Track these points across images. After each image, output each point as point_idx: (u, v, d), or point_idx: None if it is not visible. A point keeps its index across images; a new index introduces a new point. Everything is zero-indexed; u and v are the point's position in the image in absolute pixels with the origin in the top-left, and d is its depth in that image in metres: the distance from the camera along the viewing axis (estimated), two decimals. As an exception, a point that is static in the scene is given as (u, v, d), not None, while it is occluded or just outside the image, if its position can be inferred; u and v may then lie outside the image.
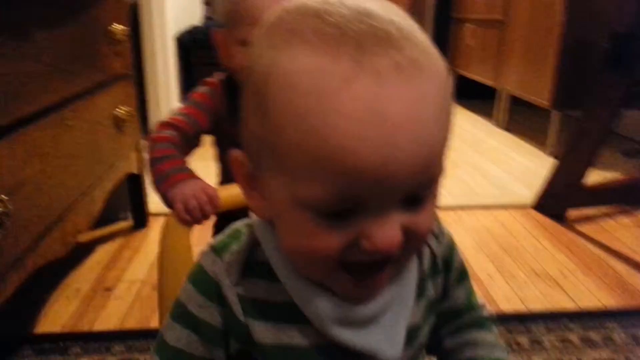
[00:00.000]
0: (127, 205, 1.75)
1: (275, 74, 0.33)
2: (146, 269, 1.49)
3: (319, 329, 0.40)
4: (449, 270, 0.47)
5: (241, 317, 0.41)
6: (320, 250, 0.35)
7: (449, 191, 2.03)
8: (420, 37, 0.34)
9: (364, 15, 0.32)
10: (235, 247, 0.42)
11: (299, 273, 0.40)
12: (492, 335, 0.50)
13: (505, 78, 2.86)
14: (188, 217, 0.69)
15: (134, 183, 1.69)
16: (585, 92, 2.02)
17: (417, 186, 0.34)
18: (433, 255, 0.46)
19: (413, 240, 0.36)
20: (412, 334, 0.43)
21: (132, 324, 1.22)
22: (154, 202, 1.82)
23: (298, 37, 0.33)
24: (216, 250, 0.42)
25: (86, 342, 1.14)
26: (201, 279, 0.42)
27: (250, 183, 0.40)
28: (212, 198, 0.71)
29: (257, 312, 0.41)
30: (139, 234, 1.71)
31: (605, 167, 2.24)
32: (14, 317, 1.22)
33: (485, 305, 0.52)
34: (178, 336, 0.42)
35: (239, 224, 0.45)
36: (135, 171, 1.66)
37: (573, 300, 1.35)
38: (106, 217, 1.64)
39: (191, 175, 0.75)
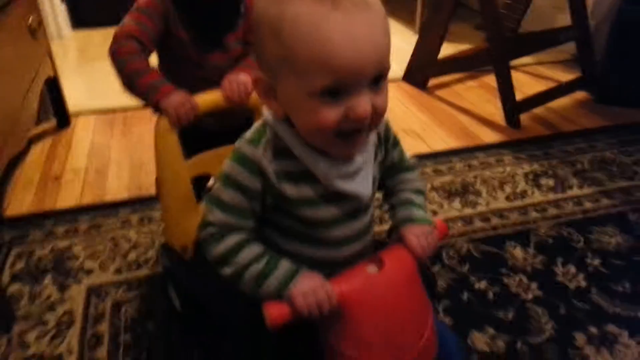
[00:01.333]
0: (48, 107, 1.88)
1: (286, 16, 0.53)
2: (84, 159, 1.71)
3: (324, 183, 0.61)
4: (387, 140, 0.70)
5: (275, 182, 0.61)
6: (323, 123, 0.55)
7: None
8: None
9: None
10: (264, 139, 0.61)
11: (309, 146, 0.60)
12: (415, 174, 0.75)
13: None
14: (178, 122, 0.89)
15: (52, 86, 1.82)
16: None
17: (377, 74, 0.54)
18: (378, 132, 0.68)
19: (377, 114, 0.56)
20: (373, 182, 0.67)
21: (88, 201, 1.48)
22: (72, 103, 1.98)
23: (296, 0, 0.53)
24: (252, 142, 0.62)
25: (56, 217, 1.39)
26: (245, 161, 0.61)
27: (268, 93, 0.59)
28: (194, 106, 0.90)
29: (285, 178, 0.61)
30: (65, 133, 1.89)
31: (460, 39, 2.69)
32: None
33: (411, 158, 0.76)
34: (231, 196, 0.62)
35: (258, 125, 0.64)
36: (52, 74, 1.78)
37: (429, 146, 1.81)
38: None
39: (173, 87, 0.91)
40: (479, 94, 2.22)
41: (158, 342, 1.03)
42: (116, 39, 0.93)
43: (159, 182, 0.94)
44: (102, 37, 2.92)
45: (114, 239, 1.32)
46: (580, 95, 2.17)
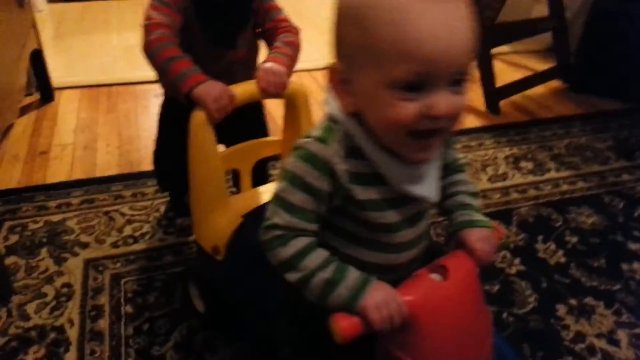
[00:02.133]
0: (31, 81, 1.84)
1: (371, 3, 0.51)
2: (71, 134, 1.69)
3: (394, 186, 0.58)
4: (447, 140, 0.66)
5: (346, 183, 0.57)
6: (399, 118, 0.51)
7: (307, 57, 2.38)
8: None
9: None
10: (335, 137, 0.58)
11: (380, 147, 0.57)
12: (466, 175, 0.71)
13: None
14: (218, 114, 0.84)
15: (36, 59, 1.78)
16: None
17: (461, 71, 0.51)
18: None
19: (454, 116, 0.53)
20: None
21: (79, 176, 1.47)
22: (56, 76, 1.94)
23: None
24: (322, 140, 0.58)
25: (48, 191, 1.38)
26: (315, 160, 0.57)
27: (341, 86, 0.56)
28: (232, 98, 0.86)
29: (355, 180, 0.58)
30: (49, 107, 1.86)
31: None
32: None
33: (461, 158, 0.74)
34: (299, 197, 0.58)
35: (326, 123, 0.60)
36: (37, 46, 1.75)
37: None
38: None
39: (206, 77, 0.86)
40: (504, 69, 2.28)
41: (159, 313, 1.05)
42: (147, 31, 0.91)
43: (191, 177, 0.90)
44: (77, 12, 2.85)
45: (108, 213, 1.32)
46: (555, 84, 2.25)
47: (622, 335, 1.04)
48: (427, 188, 0.61)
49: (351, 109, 0.57)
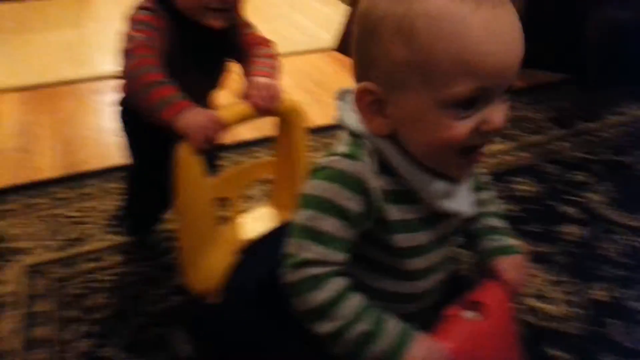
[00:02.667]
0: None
1: (419, 14, 0.46)
2: (12, 138, 1.66)
3: (429, 203, 0.54)
4: None
5: (380, 203, 0.52)
6: (452, 137, 0.48)
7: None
8: None
9: None
10: (364, 152, 0.53)
11: (417, 164, 0.52)
12: (492, 193, 0.66)
13: None
14: (206, 144, 0.76)
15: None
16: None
17: (514, 79, 0.48)
18: None
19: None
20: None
21: (20, 180, 1.43)
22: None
23: None
24: (350, 156, 0.52)
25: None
26: (346, 178, 0.51)
27: (373, 108, 0.51)
28: (221, 124, 0.79)
29: (389, 198, 0.53)
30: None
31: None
32: None
33: (484, 173, 0.68)
34: (330, 223, 0.51)
35: (349, 138, 0.54)
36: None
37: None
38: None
39: (190, 103, 0.79)
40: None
41: (106, 314, 1.04)
42: (128, 55, 0.83)
43: (177, 213, 0.82)
44: (15, 12, 2.75)
45: (52, 216, 1.30)
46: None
47: (555, 294, 1.08)
48: (462, 202, 0.57)
49: (385, 131, 0.52)
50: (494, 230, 0.63)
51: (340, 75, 2.17)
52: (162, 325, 1.00)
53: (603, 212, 1.33)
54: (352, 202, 0.51)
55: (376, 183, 0.52)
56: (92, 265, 1.15)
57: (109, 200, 1.34)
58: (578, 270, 1.15)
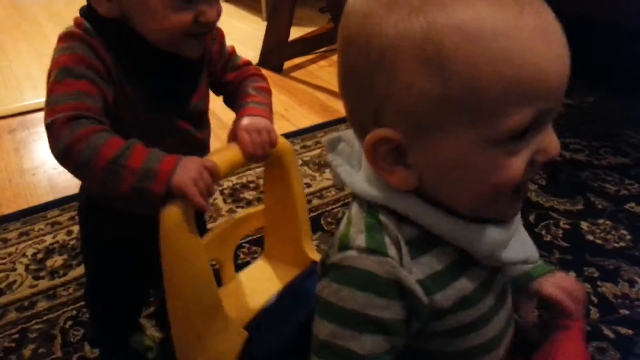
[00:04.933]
0: None
1: (449, 32, 0.35)
2: None
3: (489, 258, 0.43)
4: None
5: (424, 299, 0.42)
6: (511, 179, 0.38)
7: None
8: None
9: None
10: (386, 236, 0.42)
11: (460, 218, 0.42)
12: None
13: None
14: (204, 201, 0.61)
15: None
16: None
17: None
18: None
19: None
20: None
21: None
22: None
23: (457, 1, 0.35)
24: (374, 251, 0.41)
25: None
26: (377, 284, 0.41)
27: (390, 158, 0.40)
28: (215, 172, 0.63)
29: (435, 286, 0.42)
30: None
31: (306, 23, 2.78)
32: None
33: None
34: (370, 342, 0.41)
35: (363, 216, 0.44)
36: None
37: (294, 125, 1.86)
38: None
39: (173, 156, 0.62)
40: (332, 72, 2.32)
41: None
42: (60, 128, 0.59)
43: (172, 295, 0.65)
44: None
45: (-36, 269, 1.17)
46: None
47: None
48: (527, 247, 0.47)
49: (412, 184, 0.41)
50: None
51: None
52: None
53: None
54: (388, 311, 0.42)
55: (415, 276, 0.42)
56: (18, 314, 1.04)
57: (28, 244, 1.23)
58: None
